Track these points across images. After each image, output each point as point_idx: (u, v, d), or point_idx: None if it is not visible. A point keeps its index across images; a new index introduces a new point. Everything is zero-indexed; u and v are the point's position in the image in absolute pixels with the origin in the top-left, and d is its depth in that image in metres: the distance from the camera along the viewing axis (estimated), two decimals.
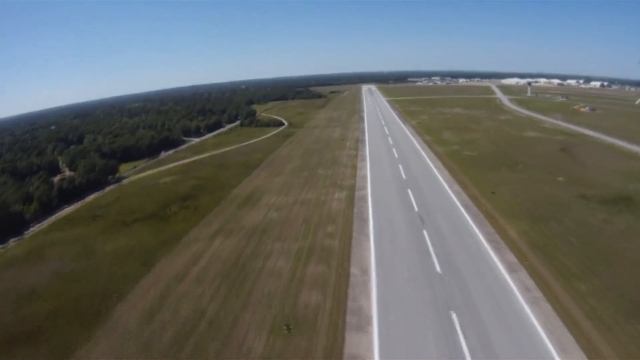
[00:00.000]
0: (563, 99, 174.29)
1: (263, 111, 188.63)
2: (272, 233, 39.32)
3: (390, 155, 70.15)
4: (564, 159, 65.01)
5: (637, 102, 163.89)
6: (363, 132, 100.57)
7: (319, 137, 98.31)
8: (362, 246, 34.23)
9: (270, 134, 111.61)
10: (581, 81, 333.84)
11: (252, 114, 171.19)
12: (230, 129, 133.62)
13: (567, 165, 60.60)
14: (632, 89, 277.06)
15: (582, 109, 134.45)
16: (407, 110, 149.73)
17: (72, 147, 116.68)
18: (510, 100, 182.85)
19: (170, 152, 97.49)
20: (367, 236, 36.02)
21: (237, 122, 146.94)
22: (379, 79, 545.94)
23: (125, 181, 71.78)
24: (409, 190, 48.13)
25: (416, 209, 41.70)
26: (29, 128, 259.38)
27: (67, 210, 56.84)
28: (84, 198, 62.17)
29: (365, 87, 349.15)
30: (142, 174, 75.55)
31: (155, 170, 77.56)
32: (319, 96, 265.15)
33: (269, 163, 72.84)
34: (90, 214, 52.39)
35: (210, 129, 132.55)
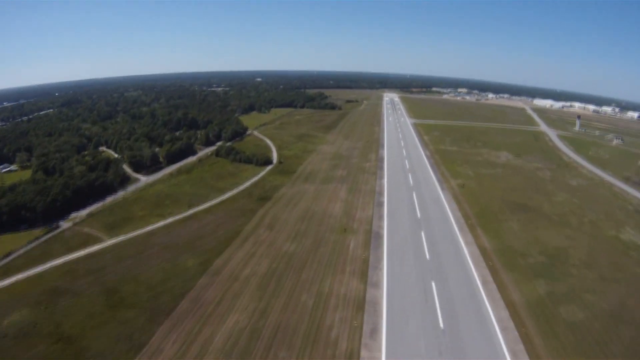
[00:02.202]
0: (618, 142, 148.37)
1: (259, 126, 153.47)
2: None
3: (429, 318, 35.72)
4: None
5: None
6: (380, 206, 65.86)
7: (307, 213, 62.90)
8: None
9: (243, 187, 76.82)
10: (617, 109, 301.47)
11: (241, 133, 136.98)
12: (200, 160, 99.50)
13: None
14: None
15: None
16: (441, 150, 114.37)
17: None
18: (561, 138, 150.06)
19: (85, 211, 64.34)
20: None
21: (215, 146, 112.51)
22: (401, 83, 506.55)
23: None
24: None
25: None
26: (7, 114, 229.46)
27: None
28: None
29: (387, 97, 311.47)
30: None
31: (25, 274, 45.25)
32: (333, 107, 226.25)
33: (187, 311, 37.91)
34: None
35: (173, 159, 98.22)
